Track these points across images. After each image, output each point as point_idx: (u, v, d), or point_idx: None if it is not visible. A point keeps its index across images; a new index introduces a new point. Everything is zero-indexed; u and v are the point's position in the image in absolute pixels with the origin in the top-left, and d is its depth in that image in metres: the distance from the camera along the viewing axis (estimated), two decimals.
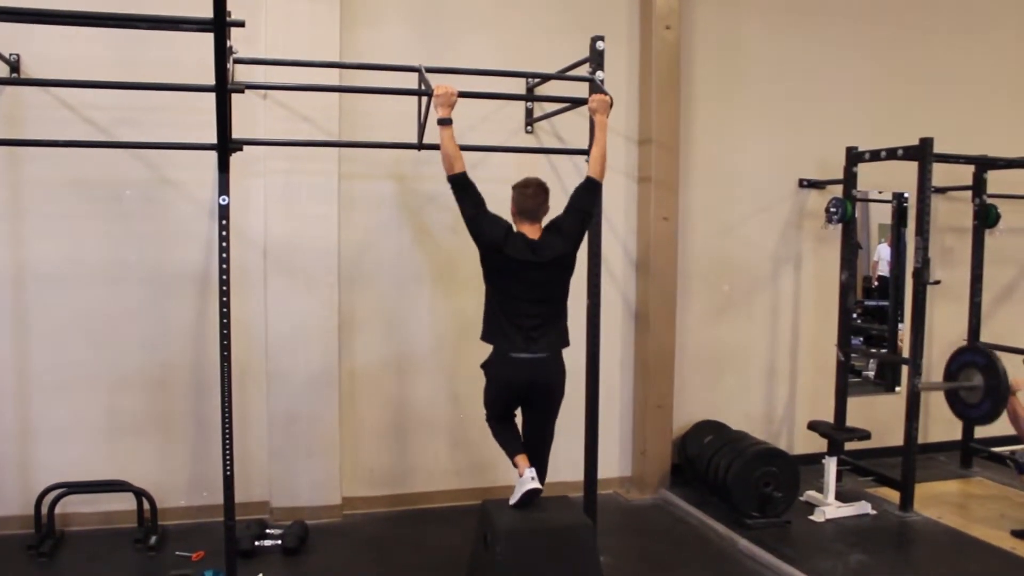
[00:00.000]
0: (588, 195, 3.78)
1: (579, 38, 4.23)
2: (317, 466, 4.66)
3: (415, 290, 4.89)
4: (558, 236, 3.67)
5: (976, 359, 5.01)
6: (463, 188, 3.63)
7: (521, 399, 3.78)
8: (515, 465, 3.69)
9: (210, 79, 3.27)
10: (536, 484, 3.58)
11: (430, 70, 3.90)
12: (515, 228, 3.68)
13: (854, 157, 5.20)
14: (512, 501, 3.63)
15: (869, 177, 5.36)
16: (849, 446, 5.23)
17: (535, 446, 3.80)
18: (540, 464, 3.81)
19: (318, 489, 4.68)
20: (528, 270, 3.60)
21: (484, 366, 3.77)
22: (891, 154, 4.96)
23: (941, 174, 5.21)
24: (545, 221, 3.73)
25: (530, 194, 3.68)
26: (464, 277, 4.64)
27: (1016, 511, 4.94)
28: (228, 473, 3.71)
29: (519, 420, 3.91)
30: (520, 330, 3.62)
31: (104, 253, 4.40)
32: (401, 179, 4.78)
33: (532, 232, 3.66)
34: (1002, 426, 6.18)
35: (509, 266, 3.60)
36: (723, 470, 4.79)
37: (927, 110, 5.83)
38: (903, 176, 5.21)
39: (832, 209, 5.18)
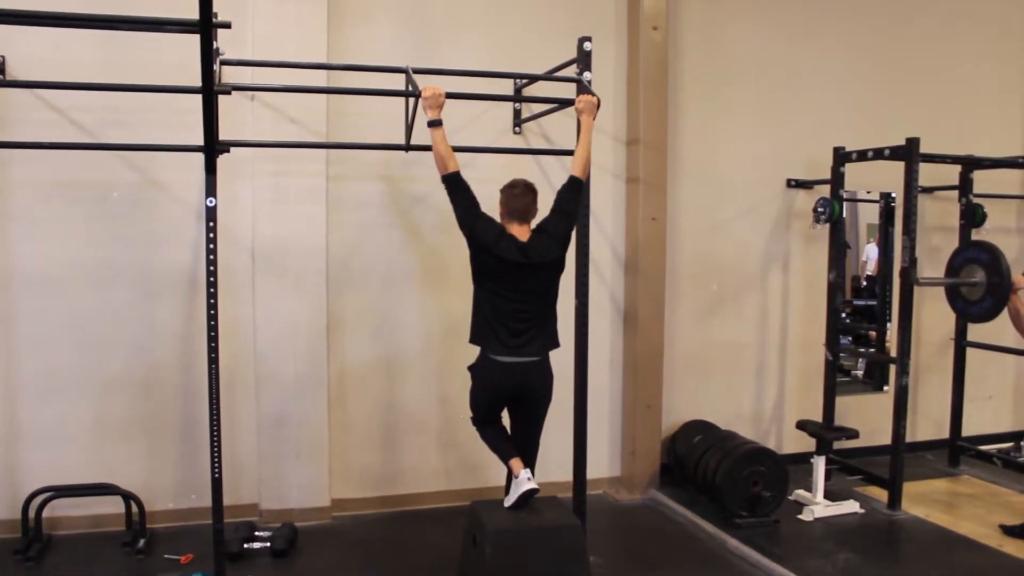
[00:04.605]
0: (572, 195, 3.79)
1: (567, 39, 4.23)
2: (306, 468, 4.65)
3: (404, 291, 4.88)
4: (548, 238, 3.68)
5: (980, 256, 4.76)
6: (457, 188, 3.64)
7: (507, 404, 3.79)
8: (509, 468, 3.69)
9: (197, 80, 3.26)
10: (533, 484, 3.58)
11: (417, 71, 3.91)
12: (506, 230, 3.68)
13: (841, 157, 5.22)
14: (508, 503, 3.63)
15: (857, 177, 5.39)
16: (838, 445, 5.24)
17: (521, 451, 3.79)
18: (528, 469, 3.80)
19: (307, 491, 4.66)
20: (518, 272, 3.61)
21: (471, 368, 3.77)
22: (878, 154, 4.98)
23: (928, 174, 5.24)
24: (534, 223, 3.74)
25: (517, 194, 3.70)
26: (453, 277, 4.64)
27: (1003, 509, 4.97)
28: (216, 476, 3.71)
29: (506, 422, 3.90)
30: (509, 332, 3.62)
31: (91, 255, 4.38)
32: (389, 180, 4.78)
33: (521, 233, 3.67)
34: (990, 424, 6.30)
35: (499, 267, 3.60)
36: (712, 470, 4.81)
37: (914, 110, 5.86)
38: (890, 176, 5.23)
39: (820, 209, 5.20)
